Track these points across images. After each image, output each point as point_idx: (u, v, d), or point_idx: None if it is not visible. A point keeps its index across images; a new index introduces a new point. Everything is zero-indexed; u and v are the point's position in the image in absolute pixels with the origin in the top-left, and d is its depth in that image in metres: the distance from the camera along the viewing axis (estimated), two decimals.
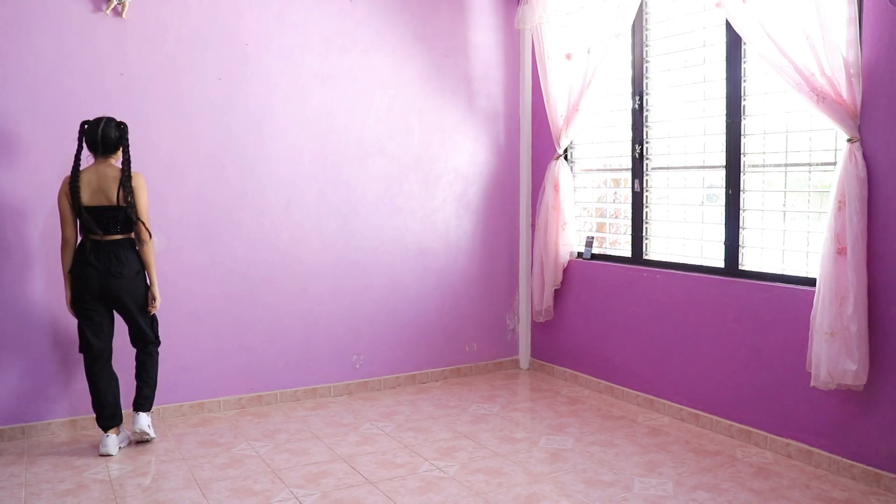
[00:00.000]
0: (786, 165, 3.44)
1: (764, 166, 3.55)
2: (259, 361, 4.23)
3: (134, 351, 3.64)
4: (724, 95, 3.63)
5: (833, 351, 3.02)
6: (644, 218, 4.19)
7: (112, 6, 3.73)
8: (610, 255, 4.46)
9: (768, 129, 3.50)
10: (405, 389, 4.58)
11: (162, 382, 3.94)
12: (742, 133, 3.57)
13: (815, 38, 3.05)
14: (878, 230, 3.01)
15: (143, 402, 3.57)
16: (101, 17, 3.74)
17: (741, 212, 3.61)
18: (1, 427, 3.63)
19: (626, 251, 4.32)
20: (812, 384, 3.12)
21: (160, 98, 3.88)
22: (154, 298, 3.55)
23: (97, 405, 3.49)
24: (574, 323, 4.67)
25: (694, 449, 3.51)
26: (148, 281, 3.53)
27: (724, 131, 3.64)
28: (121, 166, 3.42)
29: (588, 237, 4.60)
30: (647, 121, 4.13)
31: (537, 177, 4.88)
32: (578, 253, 4.66)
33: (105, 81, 3.76)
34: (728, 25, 3.54)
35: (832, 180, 3.10)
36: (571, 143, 4.64)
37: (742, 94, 3.56)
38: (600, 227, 4.65)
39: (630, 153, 4.23)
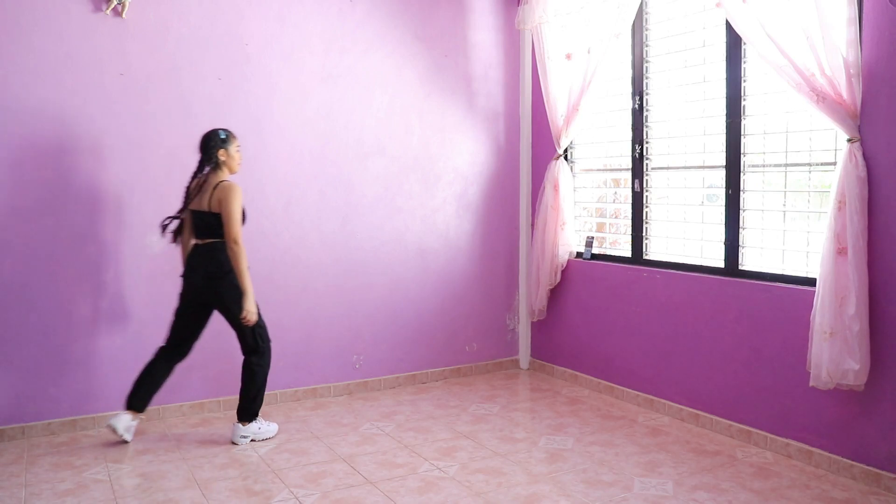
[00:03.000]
0: (786, 165, 3.44)
1: (764, 166, 3.55)
2: None
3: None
4: (724, 95, 3.63)
5: (834, 351, 3.01)
6: (644, 218, 4.19)
7: (112, 6, 3.73)
8: (610, 255, 4.46)
9: (768, 129, 3.51)
10: (405, 389, 4.58)
11: None
12: (742, 133, 3.57)
13: (815, 38, 3.05)
14: (878, 230, 3.01)
15: (239, 412, 3.63)
16: (101, 17, 3.74)
17: (741, 212, 3.61)
18: (1, 427, 3.63)
19: (626, 251, 4.32)
20: (811, 384, 3.12)
21: (160, 98, 3.88)
22: (245, 311, 3.49)
23: (136, 385, 3.58)
24: (574, 323, 4.67)
25: (694, 449, 3.51)
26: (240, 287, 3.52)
27: (724, 131, 3.65)
28: (220, 176, 3.55)
29: (588, 237, 4.60)
30: (647, 121, 4.13)
31: (537, 177, 4.88)
32: (578, 253, 4.66)
33: (105, 81, 3.76)
34: (728, 25, 3.54)
35: (832, 180, 3.10)
36: (571, 143, 4.64)
37: (742, 94, 3.56)
38: (600, 227, 4.65)
39: (630, 153, 4.23)
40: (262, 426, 3.67)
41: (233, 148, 3.60)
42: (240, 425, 3.62)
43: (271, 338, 4.25)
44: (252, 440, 3.62)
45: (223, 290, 3.53)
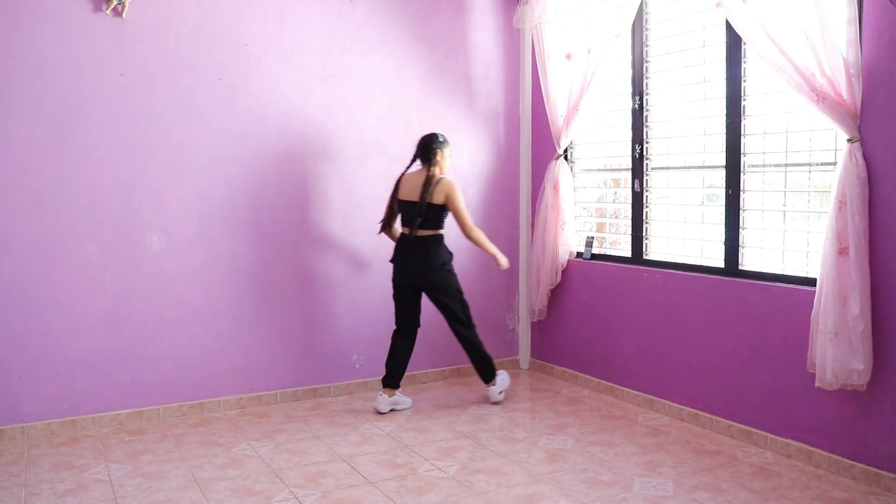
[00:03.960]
0: (786, 165, 3.44)
1: (764, 166, 3.55)
2: (259, 361, 4.23)
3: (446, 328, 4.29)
4: (724, 95, 3.62)
5: (838, 351, 3.01)
6: (644, 218, 4.19)
7: (112, 6, 3.73)
8: (610, 255, 4.46)
9: (768, 129, 3.50)
10: (405, 389, 4.57)
11: (162, 382, 3.95)
12: (742, 133, 3.57)
13: (815, 38, 3.05)
14: (878, 230, 3.01)
15: (482, 375, 4.20)
16: (101, 17, 3.74)
17: (741, 212, 3.60)
18: (1, 427, 3.63)
19: (626, 251, 4.32)
20: (817, 384, 3.11)
21: (160, 98, 3.88)
22: (502, 265, 4.22)
23: (386, 365, 4.14)
24: (574, 323, 4.67)
25: (694, 449, 3.51)
26: (493, 255, 4.18)
27: (724, 131, 3.64)
28: (435, 172, 3.97)
29: (588, 237, 4.60)
30: (647, 121, 4.13)
31: (537, 177, 4.88)
32: (578, 253, 4.66)
33: (105, 81, 3.76)
34: (728, 25, 3.54)
35: (832, 180, 3.10)
36: (571, 143, 4.64)
37: (742, 94, 3.56)
38: (600, 227, 4.65)
39: (630, 153, 4.23)
40: (500, 378, 4.25)
41: (447, 151, 4.08)
42: (489, 387, 4.22)
43: (273, 338, 4.28)
44: (501, 392, 4.23)
45: (437, 281, 4.02)
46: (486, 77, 4.88)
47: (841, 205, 3.00)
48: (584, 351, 4.59)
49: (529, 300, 4.87)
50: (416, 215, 3.95)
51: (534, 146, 4.97)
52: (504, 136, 4.98)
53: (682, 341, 3.90)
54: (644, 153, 4.15)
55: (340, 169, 4.40)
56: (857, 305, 2.96)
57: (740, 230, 3.62)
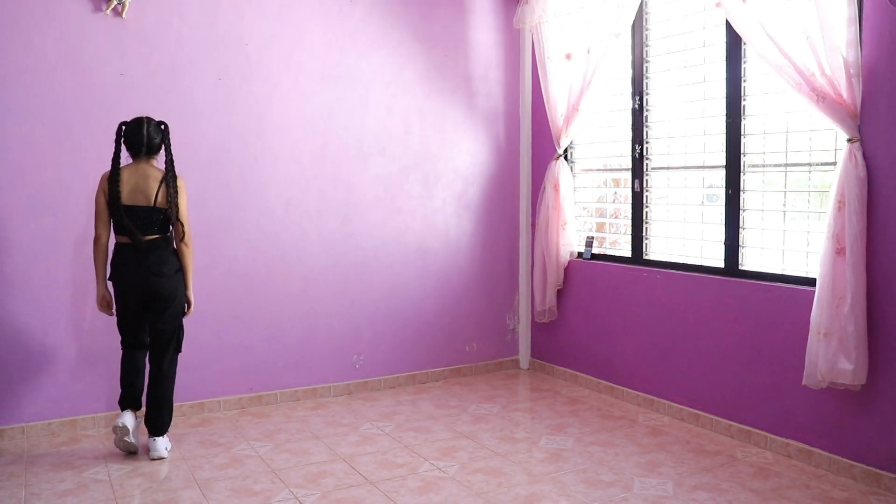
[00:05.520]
0: (786, 165, 3.44)
1: (764, 166, 3.55)
2: (259, 361, 4.23)
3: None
4: (724, 95, 3.63)
5: (829, 351, 3.02)
6: (644, 218, 4.19)
7: (112, 6, 3.73)
8: (610, 255, 4.46)
9: (768, 129, 3.51)
10: (405, 389, 4.58)
11: None
12: (742, 133, 3.57)
13: (815, 38, 3.05)
14: (877, 230, 3.01)
15: (162, 426, 3.45)
16: (101, 17, 3.74)
17: (741, 212, 3.61)
18: (1, 427, 3.63)
19: (626, 251, 4.32)
20: (804, 382, 3.13)
21: (160, 98, 3.88)
22: (189, 304, 3.51)
23: (129, 389, 3.46)
24: (574, 323, 4.67)
25: (694, 449, 3.51)
26: (184, 283, 3.46)
27: (724, 131, 3.64)
28: (164, 167, 3.39)
29: (588, 237, 4.60)
30: (647, 121, 4.13)
31: (537, 177, 4.88)
32: (578, 253, 4.66)
33: (105, 81, 3.76)
34: (728, 25, 3.54)
35: (832, 180, 3.10)
36: (571, 143, 4.64)
37: (742, 94, 3.56)
38: (600, 227, 4.65)
39: (630, 153, 4.23)
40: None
41: None
42: (161, 439, 3.43)
43: (273, 338, 4.28)
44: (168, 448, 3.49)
45: (178, 285, 3.45)
46: (486, 77, 4.89)
47: (840, 205, 3.01)
48: (584, 351, 4.59)
49: (537, 301, 4.83)
50: (154, 222, 3.39)
51: (534, 146, 4.97)
52: (504, 136, 4.98)
53: (682, 341, 3.90)
54: (644, 153, 4.15)
55: (340, 169, 4.40)
56: (848, 305, 2.96)
57: (740, 230, 3.62)
